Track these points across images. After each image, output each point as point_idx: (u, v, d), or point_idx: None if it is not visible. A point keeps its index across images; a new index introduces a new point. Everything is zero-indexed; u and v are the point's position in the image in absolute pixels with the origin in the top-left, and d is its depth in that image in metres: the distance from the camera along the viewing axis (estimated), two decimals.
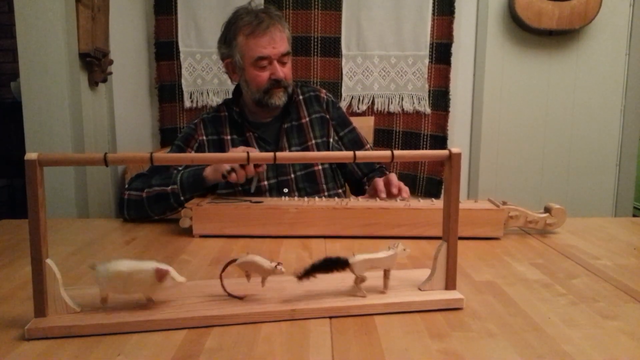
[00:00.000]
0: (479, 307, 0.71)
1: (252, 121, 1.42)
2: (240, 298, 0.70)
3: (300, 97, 1.45)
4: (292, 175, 1.38)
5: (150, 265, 0.65)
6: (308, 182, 1.39)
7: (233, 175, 1.14)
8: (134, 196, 1.24)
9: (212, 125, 1.41)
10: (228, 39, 1.36)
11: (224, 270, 0.70)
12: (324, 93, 1.49)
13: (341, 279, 0.77)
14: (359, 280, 0.70)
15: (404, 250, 0.72)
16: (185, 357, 0.58)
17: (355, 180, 1.49)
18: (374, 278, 0.72)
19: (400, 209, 1.08)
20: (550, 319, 0.68)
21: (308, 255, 0.96)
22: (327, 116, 1.45)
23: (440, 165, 2.37)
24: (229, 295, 0.70)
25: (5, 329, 0.64)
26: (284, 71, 1.34)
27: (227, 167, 1.14)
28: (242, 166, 1.14)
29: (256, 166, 1.16)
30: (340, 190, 1.46)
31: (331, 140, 1.43)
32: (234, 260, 0.69)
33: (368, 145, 1.51)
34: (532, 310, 0.71)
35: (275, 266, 0.69)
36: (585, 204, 2.56)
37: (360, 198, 1.18)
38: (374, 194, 1.19)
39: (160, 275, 0.65)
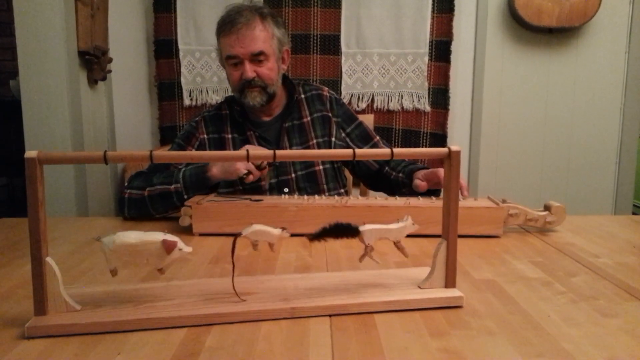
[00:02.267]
0: (478, 305, 0.71)
1: (253, 120, 1.41)
2: (241, 299, 0.70)
3: (302, 96, 1.44)
4: (293, 175, 1.37)
5: (158, 236, 0.65)
6: (309, 182, 1.38)
7: (250, 177, 1.15)
8: (135, 195, 1.24)
9: (213, 123, 1.41)
10: (216, 36, 1.35)
11: (233, 249, 0.69)
12: (326, 91, 1.47)
13: (342, 278, 0.77)
14: (369, 249, 0.71)
15: (413, 224, 0.73)
16: (186, 356, 0.58)
17: (372, 173, 1.46)
18: (374, 277, 0.72)
19: (400, 206, 1.08)
20: (549, 317, 0.68)
21: (308, 253, 0.96)
22: (330, 115, 1.43)
23: (439, 163, 2.36)
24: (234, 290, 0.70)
25: (5, 328, 0.64)
26: (259, 70, 1.31)
27: (243, 170, 1.15)
28: (259, 168, 1.17)
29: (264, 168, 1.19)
30: (342, 190, 1.45)
31: (333, 139, 1.42)
32: (239, 234, 0.69)
33: (377, 138, 1.48)
34: (531, 308, 0.71)
35: (281, 230, 0.71)
36: (584, 201, 2.57)
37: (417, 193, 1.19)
38: (434, 184, 1.21)
39: (168, 246, 0.65)
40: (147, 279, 0.82)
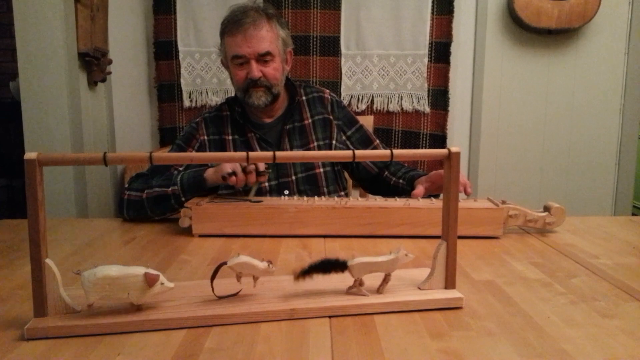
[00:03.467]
0: (478, 307, 0.71)
1: (254, 121, 1.41)
2: (235, 294, 0.69)
3: (304, 98, 1.44)
4: (293, 177, 1.37)
5: (140, 270, 0.64)
6: (309, 185, 1.38)
7: (233, 178, 1.12)
8: (134, 197, 1.24)
9: (214, 124, 1.41)
10: (220, 36, 1.36)
11: (214, 275, 0.69)
12: (327, 94, 1.47)
13: (341, 279, 0.77)
14: (358, 282, 0.70)
15: (406, 255, 0.70)
16: (185, 357, 0.58)
17: (371, 177, 1.46)
18: (374, 277, 0.72)
19: (399, 208, 1.08)
20: (549, 318, 0.68)
21: (307, 254, 0.96)
22: (331, 117, 1.43)
23: (439, 164, 2.36)
24: (220, 297, 0.70)
25: (5, 329, 0.64)
26: (265, 71, 1.31)
27: (228, 169, 1.13)
28: (245, 172, 1.13)
29: (259, 175, 1.15)
30: (342, 193, 1.45)
31: (334, 142, 1.42)
32: (224, 264, 0.69)
33: (377, 142, 1.48)
34: (531, 309, 0.71)
35: (267, 265, 0.69)
36: (584, 202, 2.57)
37: (417, 195, 1.18)
38: (438, 188, 1.20)
39: (151, 280, 0.64)
40: None
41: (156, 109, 2.40)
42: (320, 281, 0.71)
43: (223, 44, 1.35)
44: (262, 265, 0.69)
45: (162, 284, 0.65)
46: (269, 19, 1.32)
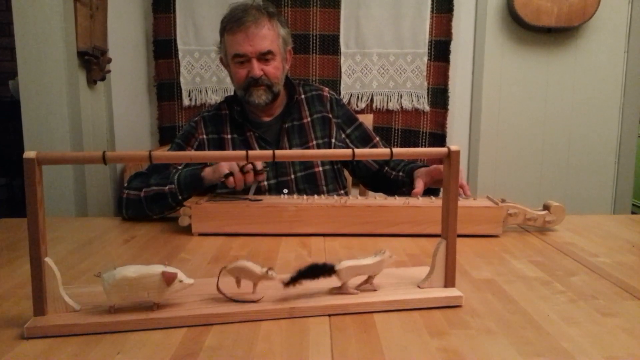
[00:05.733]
0: (478, 305, 0.71)
1: (253, 120, 1.41)
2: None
3: (302, 96, 1.44)
4: (292, 176, 1.37)
5: (157, 269, 0.64)
6: (308, 184, 1.38)
7: (231, 179, 1.12)
8: (133, 195, 1.24)
9: (213, 123, 1.40)
10: (220, 34, 1.35)
11: (218, 280, 0.69)
12: (326, 92, 1.47)
13: None
14: (346, 286, 0.71)
15: (390, 257, 0.72)
16: (185, 356, 0.58)
17: (372, 174, 1.46)
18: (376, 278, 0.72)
19: (399, 206, 1.08)
20: (549, 316, 0.68)
21: (307, 253, 0.96)
22: (330, 116, 1.43)
23: (439, 162, 2.36)
24: (232, 299, 0.69)
25: (5, 328, 0.64)
26: (266, 69, 1.31)
27: (225, 170, 1.13)
28: (243, 171, 1.13)
29: (256, 173, 1.15)
30: (342, 192, 1.44)
31: (333, 140, 1.42)
32: (224, 268, 0.69)
33: (377, 139, 1.48)
34: (531, 307, 0.71)
35: (267, 271, 0.68)
36: (584, 201, 2.57)
37: (417, 193, 1.17)
38: (437, 182, 1.20)
39: (168, 278, 0.64)
40: None
41: (155, 108, 2.40)
42: (320, 280, 0.71)
43: (223, 42, 1.35)
44: (260, 271, 0.68)
45: (180, 281, 0.65)
46: (270, 18, 1.32)
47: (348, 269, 0.69)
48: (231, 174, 1.12)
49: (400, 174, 1.36)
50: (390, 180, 1.39)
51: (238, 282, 0.70)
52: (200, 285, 0.74)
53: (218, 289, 0.69)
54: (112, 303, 0.65)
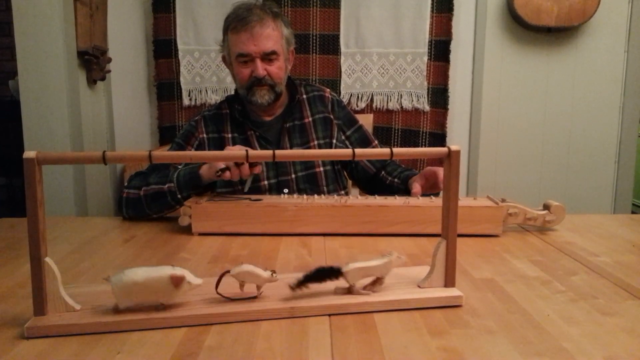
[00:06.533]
0: (478, 305, 0.71)
1: (253, 120, 1.41)
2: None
3: (304, 96, 1.44)
4: (293, 176, 1.37)
5: (165, 271, 0.64)
6: (309, 184, 1.38)
7: (227, 173, 1.12)
8: (132, 194, 1.24)
9: (213, 122, 1.40)
10: (223, 32, 1.35)
11: (218, 283, 0.69)
12: (328, 92, 1.47)
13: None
14: (354, 288, 0.71)
15: (399, 257, 0.71)
16: (185, 356, 0.58)
17: (369, 177, 1.46)
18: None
19: (399, 206, 1.08)
20: (549, 316, 0.68)
21: (307, 253, 0.96)
22: (331, 116, 1.43)
23: (439, 162, 2.37)
24: (231, 299, 0.69)
25: (5, 328, 0.64)
26: (269, 69, 1.31)
27: (221, 165, 1.13)
28: (237, 165, 1.12)
29: (252, 166, 1.14)
30: (342, 192, 1.45)
31: (334, 141, 1.42)
32: (227, 272, 0.68)
33: (376, 142, 1.49)
34: (531, 307, 0.71)
35: (272, 274, 0.68)
36: (584, 201, 2.57)
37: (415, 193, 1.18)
38: (432, 186, 1.20)
39: (176, 281, 0.64)
40: None
41: (155, 108, 2.40)
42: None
43: (226, 40, 1.34)
44: (266, 274, 0.68)
45: (189, 282, 0.65)
46: (274, 18, 1.32)
47: (355, 271, 0.69)
48: (227, 168, 1.12)
49: (396, 180, 1.37)
50: (385, 185, 1.40)
51: (242, 287, 0.69)
52: (200, 285, 0.74)
53: (217, 292, 0.69)
54: (123, 307, 0.64)
